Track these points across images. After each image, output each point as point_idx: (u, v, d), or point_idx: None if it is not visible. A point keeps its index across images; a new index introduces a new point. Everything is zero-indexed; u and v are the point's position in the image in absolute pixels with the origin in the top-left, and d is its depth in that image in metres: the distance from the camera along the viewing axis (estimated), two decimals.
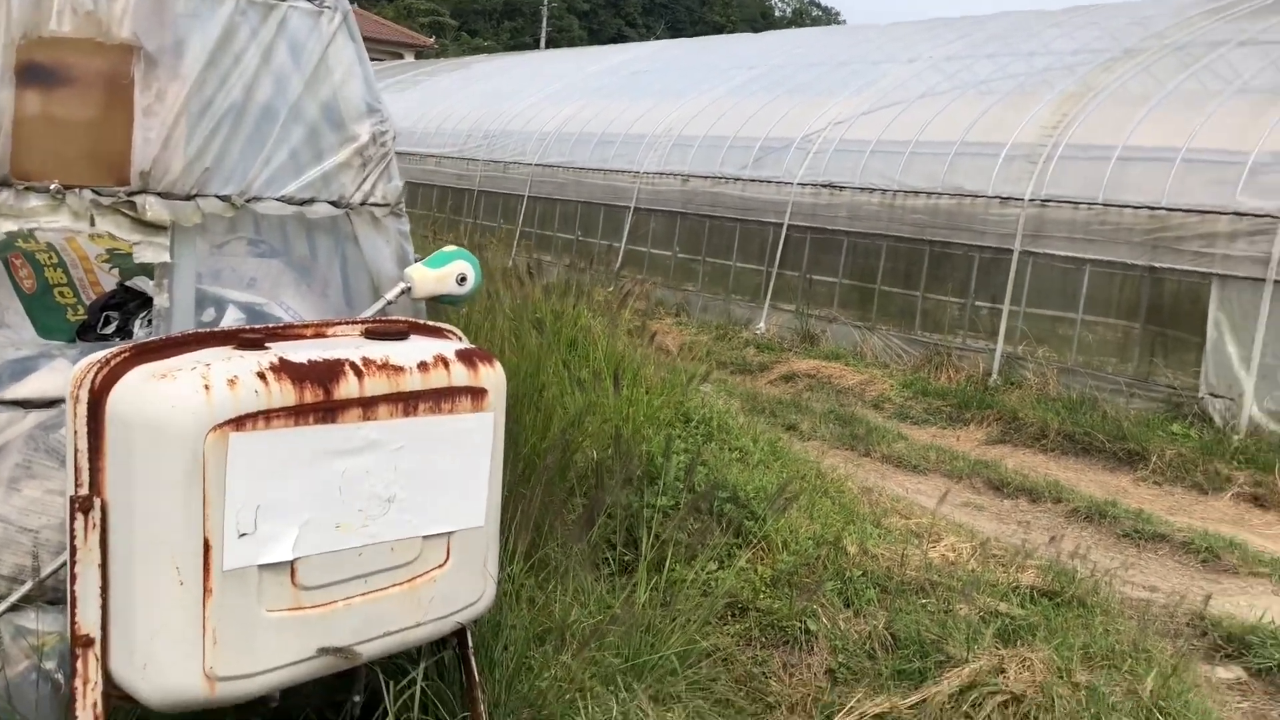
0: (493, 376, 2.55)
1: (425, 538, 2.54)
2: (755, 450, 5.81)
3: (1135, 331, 9.46)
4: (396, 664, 2.92)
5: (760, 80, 15.81)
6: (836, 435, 8.59)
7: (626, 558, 4.49)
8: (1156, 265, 9.24)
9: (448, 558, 2.57)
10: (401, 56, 36.93)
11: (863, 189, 11.97)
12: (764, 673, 4.26)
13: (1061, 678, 4.15)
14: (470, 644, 2.81)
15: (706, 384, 7.45)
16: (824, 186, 12.43)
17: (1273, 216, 8.51)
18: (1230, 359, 8.67)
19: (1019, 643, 4.33)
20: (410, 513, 2.49)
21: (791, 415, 9.01)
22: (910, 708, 4.01)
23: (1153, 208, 9.32)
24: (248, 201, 3.11)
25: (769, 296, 12.90)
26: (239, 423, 2.24)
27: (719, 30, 53.20)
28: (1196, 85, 10.27)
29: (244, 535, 2.27)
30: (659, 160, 15.10)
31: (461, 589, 2.57)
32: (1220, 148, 9.18)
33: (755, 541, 4.85)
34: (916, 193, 11.37)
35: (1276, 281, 8.41)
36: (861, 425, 8.87)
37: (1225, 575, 6.21)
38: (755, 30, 36.08)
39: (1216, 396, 8.75)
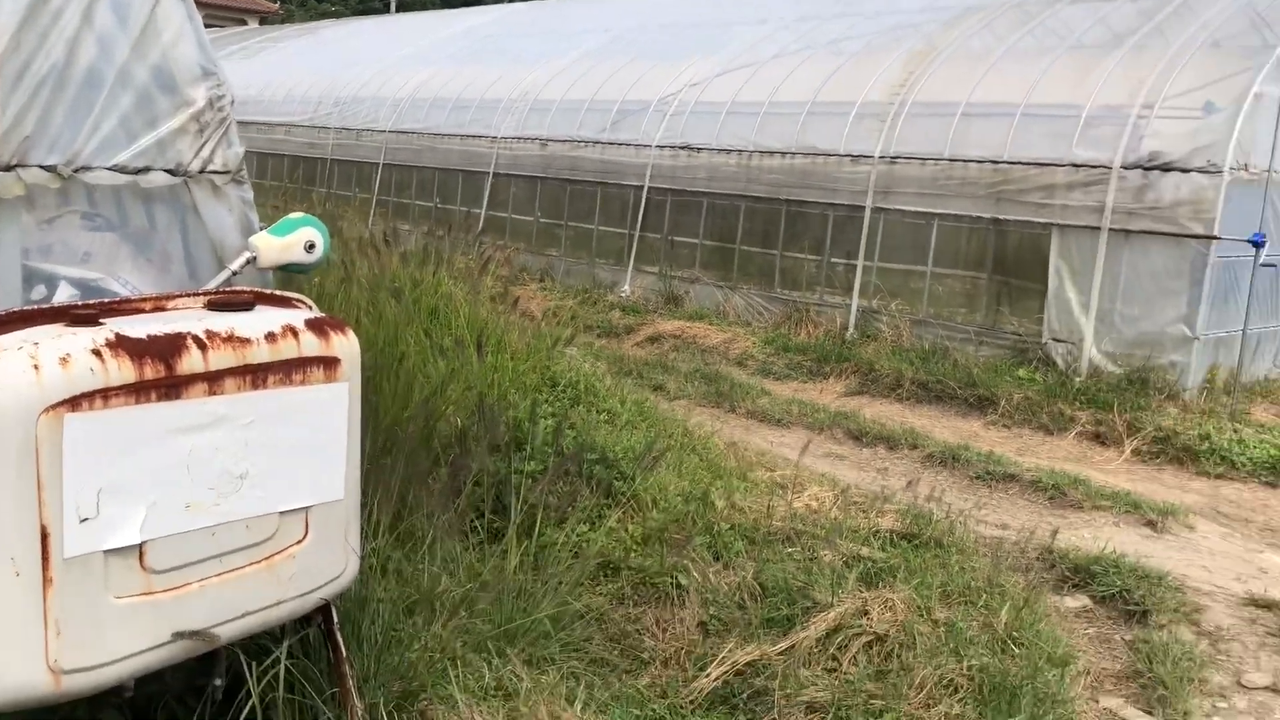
0: (346, 345, 2.48)
1: (281, 513, 2.46)
2: (623, 411, 5.84)
3: (982, 282, 9.84)
4: (260, 644, 2.84)
5: (616, 43, 15.75)
6: (702, 393, 8.70)
7: (496, 524, 4.47)
8: (1001, 217, 9.61)
9: (306, 533, 2.50)
10: (245, 23, 35.45)
11: (720, 150, 12.08)
12: (638, 630, 4.30)
13: (921, 616, 4.32)
14: (335, 619, 2.75)
15: (572, 348, 7.44)
16: (682, 149, 12.50)
17: (1105, 167, 8.93)
18: (1071, 305, 9.10)
19: (881, 585, 4.47)
20: (264, 488, 2.41)
21: (658, 376, 9.09)
22: (780, 654, 4.10)
23: (995, 161, 9.67)
24: (75, 171, 2.95)
25: (633, 259, 12.94)
26: (74, 403, 2.13)
27: None
28: (1034, 42, 10.67)
29: (86, 520, 2.17)
30: (516, 124, 14.93)
31: (323, 564, 2.51)
32: (1056, 102, 9.58)
33: (625, 501, 4.88)
34: (771, 153, 11.54)
35: (1111, 229, 8.84)
36: (726, 383, 9.00)
37: (1071, 510, 6.54)
38: None
39: (1059, 341, 9.19)
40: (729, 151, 11.98)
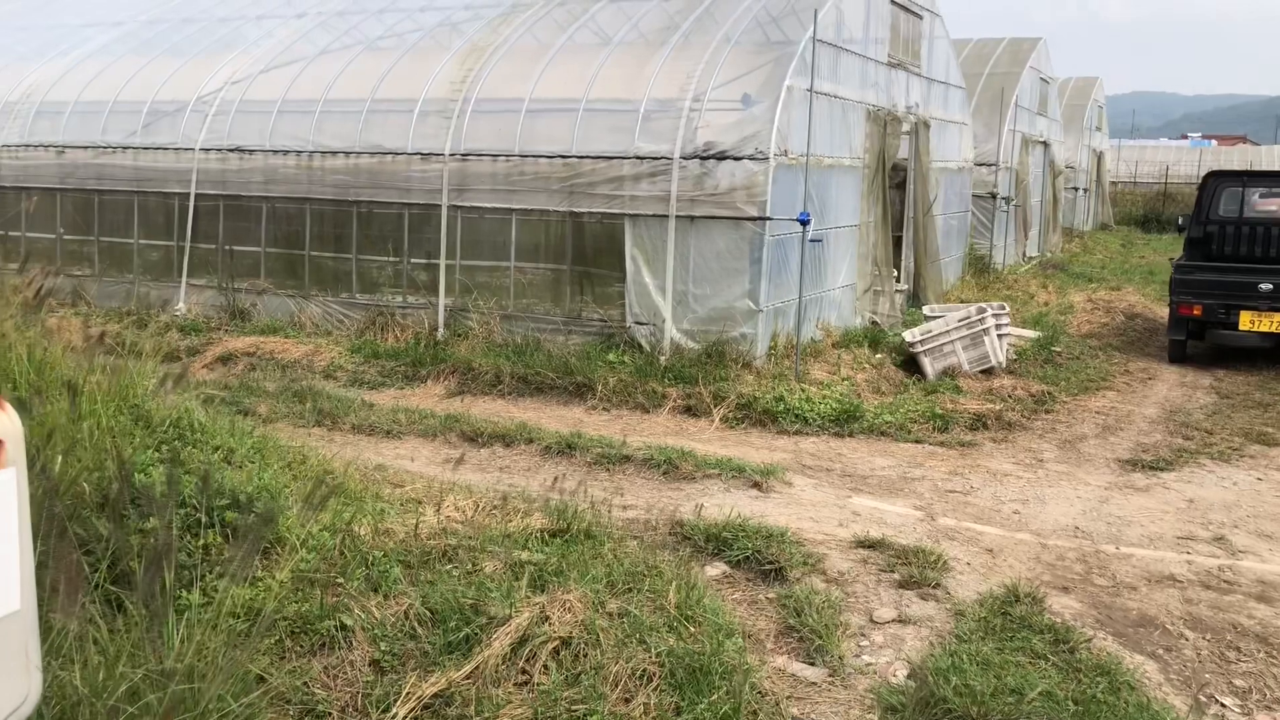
0: (6, 424, 1.94)
1: None
2: (239, 446, 5.28)
3: (565, 273, 10.11)
4: None
5: (132, 39, 14.25)
6: (298, 413, 8.14)
7: (122, 600, 3.84)
8: (576, 210, 9.91)
9: None
10: None
11: (275, 151, 11.37)
12: (305, 683, 3.91)
13: (598, 611, 4.32)
14: None
15: (152, 380, 6.61)
16: (232, 151, 11.60)
17: (667, 158, 9.50)
18: (649, 289, 9.60)
19: (553, 587, 4.41)
20: None
21: (245, 399, 8.37)
22: (466, 678, 3.92)
23: (564, 156, 9.95)
24: None
25: (185, 274, 11.84)
26: None
27: None
28: (585, 39, 11.09)
29: None
30: (22, 131, 13.07)
31: (2, 691, 1.96)
32: (616, 97, 10.03)
33: (269, 546, 4.41)
34: (334, 153, 11.05)
35: (678, 216, 9.43)
36: (322, 399, 8.50)
37: (685, 482, 6.89)
38: None
39: (641, 324, 9.67)
40: (286, 152, 11.30)
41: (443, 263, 10.43)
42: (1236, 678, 4.47)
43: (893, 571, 5.37)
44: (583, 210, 9.88)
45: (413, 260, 10.69)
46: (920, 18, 13.83)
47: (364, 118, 11.06)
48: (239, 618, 3.90)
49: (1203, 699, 4.26)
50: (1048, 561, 5.73)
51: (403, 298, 10.73)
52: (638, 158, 9.61)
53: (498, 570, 4.67)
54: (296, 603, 4.24)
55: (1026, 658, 4.40)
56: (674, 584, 4.58)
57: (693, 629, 4.32)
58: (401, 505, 5.51)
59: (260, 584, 4.23)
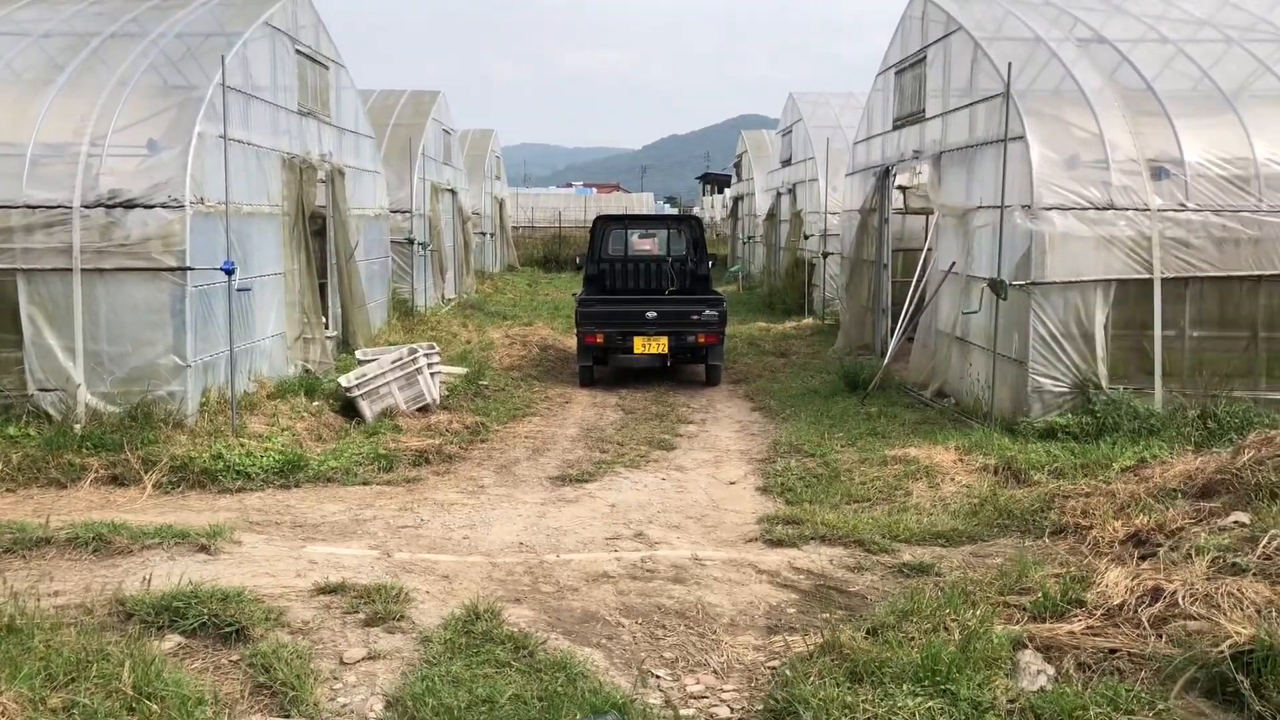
0: None
1: None
2: None
3: None
4: None
5: None
6: None
7: None
8: None
9: None
10: None
11: None
12: None
13: (38, 709, 3.89)
14: None
15: None
16: None
17: (65, 207, 8.67)
18: (53, 351, 8.66)
19: None
20: None
21: None
22: None
23: None
24: None
25: None
26: None
27: None
28: None
29: None
30: None
31: None
32: None
33: None
34: None
35: (84, 270, 8.63)
36: None
37: (123, 556, 6.34)
38: None
39: (47, 390, 8.69)
40: None
41: None
42: (666, 651, 5.15)
43: (357, 612, 5.42)
44: None
45: None
46: (326, 68, 14.02)
47: None
48: None
49: (642, 674, 4.87)
50: (499, 578, 6.14)
51: None
52: (28, 206, 8.65)
53: None
54: None
55: (493, 668, 4.71)
56: (126, 664, 4.25)
57: (156, 706, 4.05)
58: None
59: None
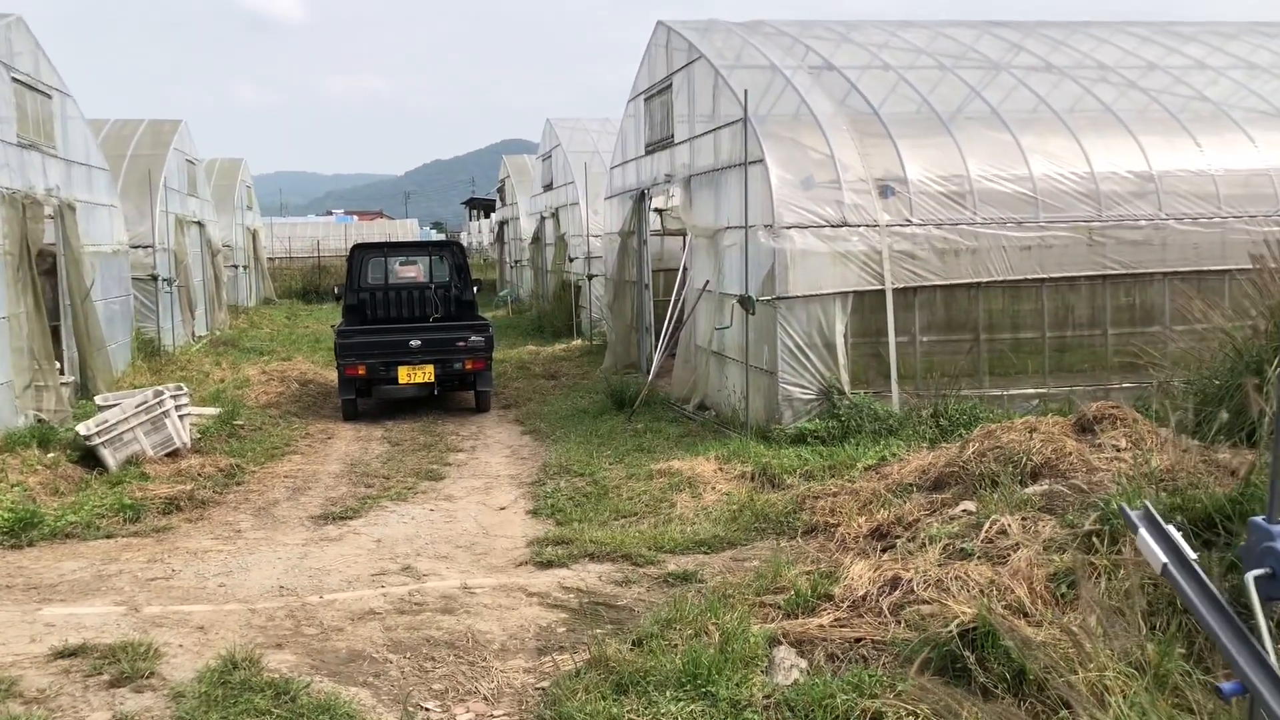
0: None
1: None
2: None
3: None
4: None
5: None
6: None
7: None
8: None
9: None
10: None
11: None
12: None
13: None
14: None
15: None
16: None
17: None
18: None
19: None
20: None
21: None
22: None
23: None
24: None
25: None
26: None
27: None
28: None
29: None
30: None
31: None
32: None
33: None
34: None
35: None
36: None
37: None
38: None
39: None
40: None
41: None
42: (435, 683, 5.10)
43: (100, 674, 5.10)
44: None
45: None
46: (50, 97, 13.10)
47: None
48: None
49: (410, 709, 4.80)
50: (259, 625, 5.91)
51: None
52: None
53: None
54: None
55: (252, 717, 4.54)
56: None
57: None
58: None
59: None
